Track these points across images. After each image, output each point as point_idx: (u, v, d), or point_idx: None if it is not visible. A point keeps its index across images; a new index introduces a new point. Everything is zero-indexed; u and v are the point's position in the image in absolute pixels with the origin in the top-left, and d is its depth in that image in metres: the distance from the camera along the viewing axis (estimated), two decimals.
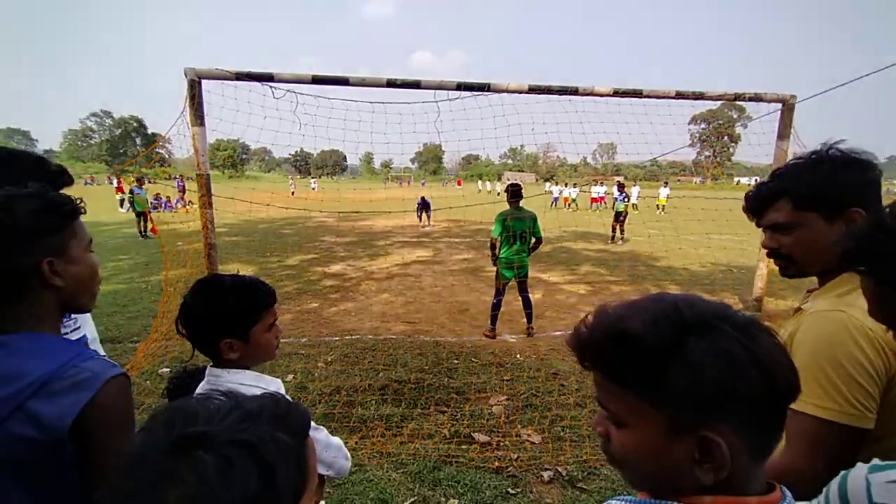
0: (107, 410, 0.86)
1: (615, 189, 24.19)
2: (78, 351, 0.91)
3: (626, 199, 12.87)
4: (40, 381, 0.81)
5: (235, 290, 1.12)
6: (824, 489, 0.65)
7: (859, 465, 0.61)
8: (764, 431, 0.51)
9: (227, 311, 1.09)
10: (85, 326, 1.35)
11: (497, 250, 5.07)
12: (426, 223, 15.79)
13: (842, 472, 0.63)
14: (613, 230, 12.71)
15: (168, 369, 3.99)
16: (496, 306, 5.16)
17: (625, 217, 12.73)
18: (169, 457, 0.43)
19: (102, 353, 1.54)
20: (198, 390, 1.18)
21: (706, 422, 0.48)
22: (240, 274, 1.20)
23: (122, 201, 20.51)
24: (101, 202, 21.80)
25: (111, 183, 22.98)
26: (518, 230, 4.96)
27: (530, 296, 5.28)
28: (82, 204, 1.00)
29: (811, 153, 1.01)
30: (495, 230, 5.00)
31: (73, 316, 1.29)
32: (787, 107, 3.04)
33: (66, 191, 1.12)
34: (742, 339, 0.48)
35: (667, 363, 0.48)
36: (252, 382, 1.13)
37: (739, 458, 0.49)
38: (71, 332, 1.28)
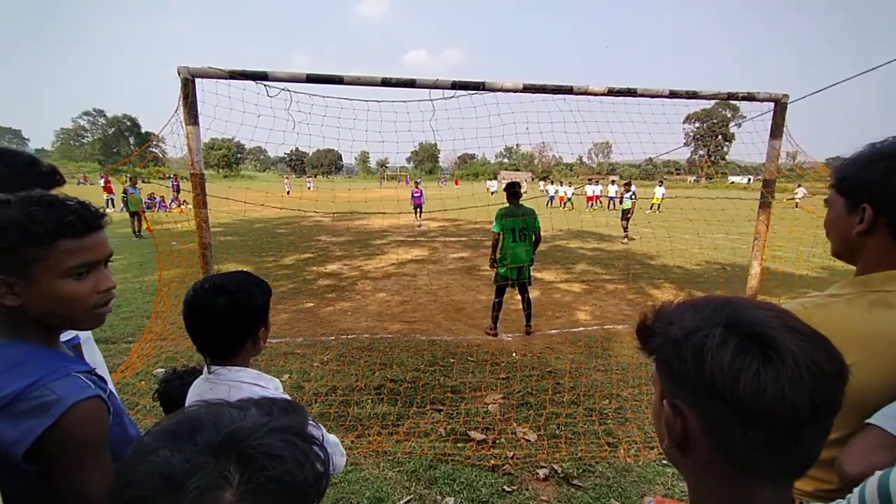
0: (69, 437, 0.81)
1: (612, 187, 24.34)
2: (53, 367, 0.85)
3: (632, 197, 12.96)
4: (6, 399, 0.78)
5: (255, 282, 1.16)
6: (856, 490, 0.65)
7: None
8: (735, 438, 0.51)
9: (265, 302, 1.15)
10: None
11: (497, 251, 5.07)
12: (419, 222, 15.96)
13: (878, 472, 0.64)
14: (625, 229, 12.83)
15: (162, 370, 3.97)
16: (496, 306, 5.13)
17: (630, 215, 12.81)
18: (221, 459, 0.41)
19: (97, 352, 1.53)
20: (196, 389, 1.18)
21: (674, 394, 0.57)
22: (225, 272, 1.21)
23: (108, 201, 20.35)
24: (94, 202, 21.59)
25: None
26: (517, 227, 4.96)
27: (531, 297, 5.28)
28: (106, 219, 0.94)
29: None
30: (495, 226, 5.00)
31: None
32: (780, 106, 3.06)
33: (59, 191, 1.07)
34: (708, 341, 0.52)
35: (651, 338, 0.60)
36: (252, 380, 1.14)
37: (703, 450, 0.55)
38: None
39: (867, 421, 0.81)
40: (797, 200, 23.32)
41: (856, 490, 0.66)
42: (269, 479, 0.41)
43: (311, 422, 0.51)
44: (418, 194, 16.46)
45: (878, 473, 0.64)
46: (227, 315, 1.09)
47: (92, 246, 0.91)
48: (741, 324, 0.52)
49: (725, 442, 0.53)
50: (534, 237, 5.12)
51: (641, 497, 2.57)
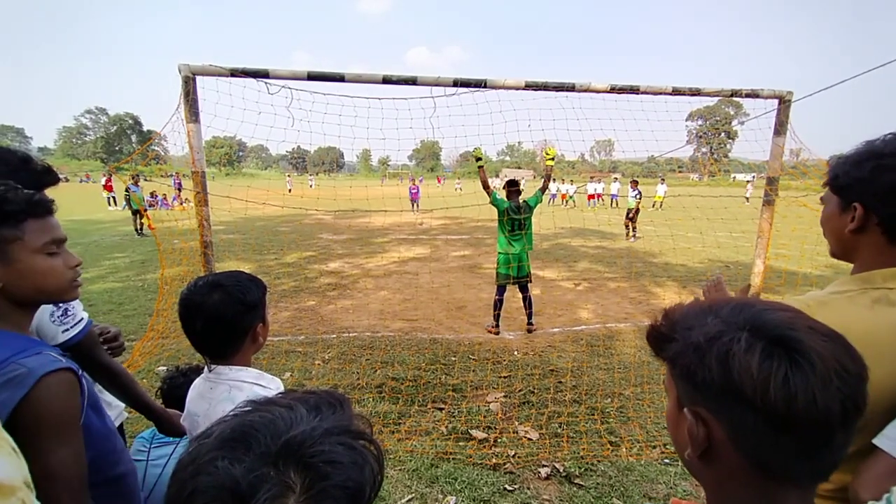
0: (42, 408, 0.84)
1: (614, 185, 24.26)
2: (23, 346, 0.89)
3: (638, 196, 12.90)
4: None
5: (250, 278, 1.16)
6: (885, 495, 0.65)
7: None
8: (764, 445, 0.50)
9: (259, 297, 1.15)
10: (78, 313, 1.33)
11: (489, 189, 4.99)
12: (420, 219, 16.29)
13: None
14: (627, 227, 12.78)
15: (165, 367, 3.98)
16: (497, 304, 5.15)
17: (636, 213, 12.77)
18: (280, 467, 0.41)
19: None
20: (196, 388, 1.17)
21: (695, 402, 0.54)
22: (217, 272, 1.22)
23: (109, 199, 20.40)
24: (97, 200, 21.68)
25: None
26: (516, 222, 4.96)
27: (531, 294, 5.29)
28: (53, 204, 0.99)
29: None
30: (499, 202, 4.95)
31: (70, 311, 1.29)
32: (784, 103, 3.03)
33: (51, 191, 1.10)
34: (734, 346, 0.50)
35: (667, 344, 0.58)
36: (253, 380, 1.13)
37: (729, 459, 0.53)
38: (72, 326, 1.27)
39: (875, 443, 0.80)
40: (747, 196, 23.24)
41: (885, 495, 0.66)
42: (333, 487, 0.41)
43: (357, 416, 0.50)
44: (415, 190, 19.01)
45: None
46: (224, 311, 1.08)
47: (53, 226, 0.99)
48: (764, 326, 0.51)
49: (754, 450, 0.51)
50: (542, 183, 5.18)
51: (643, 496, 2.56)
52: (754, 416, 0.49)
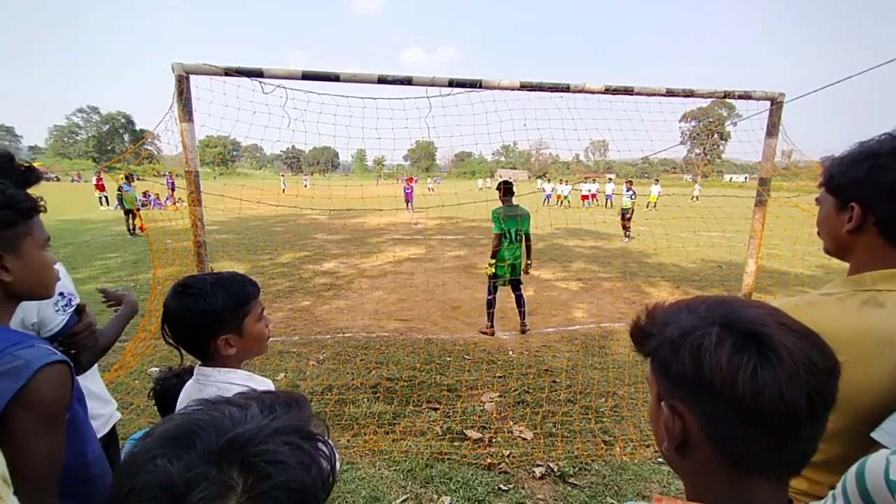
0: (37, 399, 0.85)
1: (609, 185, 24.42)
2: (17, 339, 0.91)
3: (633, 196, 12.96)
4: None
5: (221, 285, 1.10)
6: (843, 476, 0.66)
7: (882, 450, 0.64)
8: (735, 437, 0.51)
9: (220, 307, 1.08)
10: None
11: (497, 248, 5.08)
12: (416, 220, 16.30)
13: (857, 462, 0.65)
14: (624, 227, 12.78)
15: (157, 369, 3.95)
16: (490, 304, 5.17)
17: (631, 214, 12.81)
18: (223, 466, 0.40)
19: (100, 382, 1.54)
20: (186, 390, 1.16)
21: (672, 396, 0.56)
22: (216, 271, 1.20)
23: (101, 199, 20.22)
24: (89, 200, 21.48)
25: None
26: (511, 227, 4.99)
27: (523, 293, 5.31)
28: (42, 202, 1.02)
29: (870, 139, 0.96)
30: (495, 227, 5.01)
31: (73, 300, 1.31)
32: (776, 105, 3.06)
33: (34, 189, 1.12)
34: (706, 341, 0.51)
35: (647, 340, 0.59)
36: (242, 382, 1.12)
37: (703, 451, 0.54)
38: (69, 313, 1.30)
39: (873, 436, 0.81)
40: (696, 194, 23.56)
41: (830, 492, 0.67)
42: (273, 487, 0.40)
43: (314, 417, 0.49)
44: (409, 190, 19.72)
45: (856, 464, 0.65)
46: (181, 317, 1.08)
47: (43, 224, 1.04)
48: (736, 322, 0.52)
49: (726, 441, 0.52)
50: (525, 239, 5.16)
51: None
52: (724, 408, 0.50)
